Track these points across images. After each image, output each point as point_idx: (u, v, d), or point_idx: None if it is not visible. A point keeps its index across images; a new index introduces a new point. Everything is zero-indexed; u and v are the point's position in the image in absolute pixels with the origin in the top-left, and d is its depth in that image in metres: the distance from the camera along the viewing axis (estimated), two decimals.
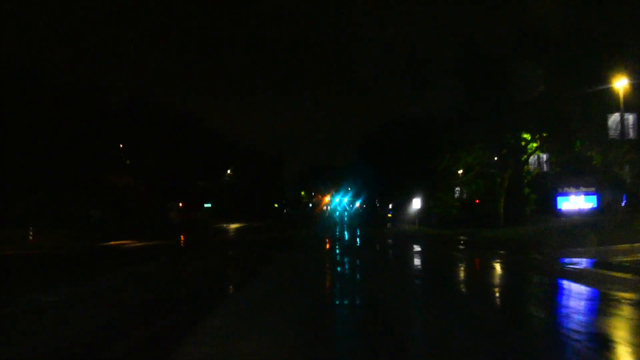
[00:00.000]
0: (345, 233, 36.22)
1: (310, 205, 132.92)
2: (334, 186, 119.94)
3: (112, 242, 27.70)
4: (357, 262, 16.73)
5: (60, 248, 23.70)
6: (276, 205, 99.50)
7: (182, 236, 33.80)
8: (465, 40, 27.87)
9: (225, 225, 54.00)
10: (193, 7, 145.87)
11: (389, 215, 63.61)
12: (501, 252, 18.55)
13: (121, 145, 38.68)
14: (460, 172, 39.86)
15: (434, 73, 31.15)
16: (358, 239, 29.89)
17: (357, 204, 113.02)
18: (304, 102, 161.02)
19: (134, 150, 43.14)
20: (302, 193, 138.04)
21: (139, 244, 26.51)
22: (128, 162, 37.96)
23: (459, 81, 27.04)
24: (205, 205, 60.48)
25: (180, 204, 56.88)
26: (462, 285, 11.55)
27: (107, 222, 32.65)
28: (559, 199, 22.33)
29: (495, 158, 32.56)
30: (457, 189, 43.25)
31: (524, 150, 28.56)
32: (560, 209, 22.39)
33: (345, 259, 17.40)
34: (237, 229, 47.97)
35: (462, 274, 13.45)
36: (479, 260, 16.49)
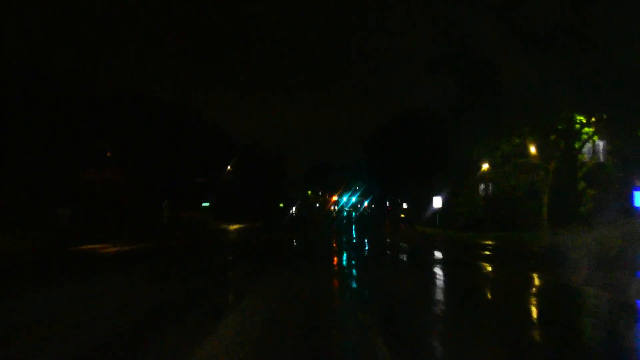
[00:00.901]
0: (354, 237, 31.43)
1: (317, 205, 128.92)
2: (342, 186, 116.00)
3: (85, 246, 23.23)
4: (370, 285, 11.87)
5: (9, 254, 19.19)
6: (281, 205, 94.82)
7: (172, 239, 29.37)
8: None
9: (224, 226, 49.42)
10: (196, 5, 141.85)
11: (402, 215, 58.64)
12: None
13: (103, 136, 34.02)
14: (485, 167, 34.99)
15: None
16: (369, 245, 25.14)
17: (365, 204, 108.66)
18: (307, 101, 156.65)
19: (121, 142, 38.51)
20: (309, 193, 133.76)
21: (115, 249, 22.07)
22: (109, 154, 33.28)
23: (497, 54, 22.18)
24: (203, 204, 55.82)
25: (176, 203, 52.39)
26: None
27: (82, 222, 28.06)
28: (637, 194, 17.41)
29: (532, 149, 27.59)
30: (482, 185, 38.28)
31: (577, 135, 23.53)
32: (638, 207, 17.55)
33: (353, 284, 11.97)
34: (236, 231, 43.43)
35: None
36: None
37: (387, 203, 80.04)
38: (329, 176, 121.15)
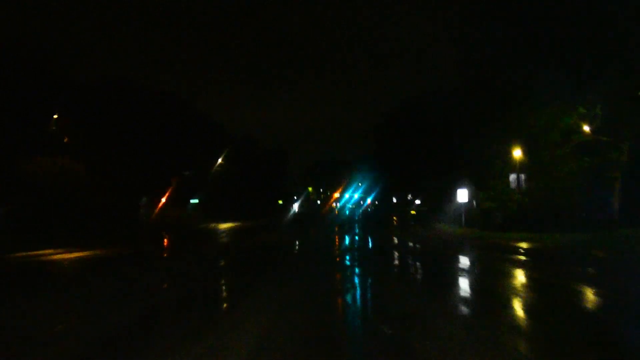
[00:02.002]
0: (360, 238, 25.54)
1: (319, 202, 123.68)
2: (344, 182, 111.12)
3: (19, 254, 17.90)
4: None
5: None
6: (280, 202, 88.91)
7: (148, 242, 24.04)
8: None
9: (213, 225, 43.58)
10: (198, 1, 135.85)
11: (412, 212, 52.55)
12: None
13: (63, 120, 28.07)
14: (517, 154, 29.15)
15: None
16: (378, 248, 19.36)
17: (369, 200, 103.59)
18: (309, 97, 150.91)
19: (90, 130, 32.60)
20: (310, 189, 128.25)
21: (64, 256, 16.90)
22: (66, 140, 27.37)
23: None
24: (192, 200, 49.91)
25: (159, 199, 46.61)
26: None
27: (24, 222, 22.32)
28: None
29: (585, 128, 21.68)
30: (512, 176, 32.26)
31: None
32: None
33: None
34: (227, 231, 37.61)
35: None
36: None
37: (394, 199, 74.19)
38: (331, 172, 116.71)
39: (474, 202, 30.50)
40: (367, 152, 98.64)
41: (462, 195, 30.38)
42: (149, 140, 42.23)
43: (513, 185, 32.06)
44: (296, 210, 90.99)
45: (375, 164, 58.56)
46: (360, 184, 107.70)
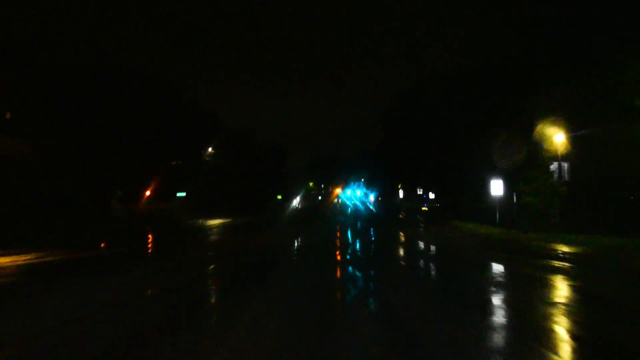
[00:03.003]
0: (363, 239, 20.48)
1: (319, 197, 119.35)
2: (346, 177, 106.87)
3: None
4: None
5: None
6: (279, 197, 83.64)
7: (118, 243, 19.84)
8: None
9: (201, 222, 38.34)
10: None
11: (423, 209, 47.19)
12: None
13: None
14: (560, 138, 24.14)
15: None
16: (390, 257, 14.34)
17: (372, 197, 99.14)
18: (311, 92, 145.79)
19: (51, 111, 27.11)
20: (311, 185, 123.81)
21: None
22: (8, 115, 22.02)
23: None
24: (179, 194, 44.61)
25: (141, 192, 41.38)
26: None
27: None
28: None
29: None
30: (553, 164, 27.09)
31: None
32: None
33: None
34: (217, 228, 32.52)
35: None
36: None
37: (401, 194, 68.86)
38: (333, 168, 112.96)
39: (513, 197, 25.05)
40: (370, 147, 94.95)
41: (497, 187, 25.08)
42: (126, 128, 36.96)
43: (556, 176, 26.84)
44: (296, 206, 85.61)
45: (381, 155, 53.15)
46: (362, 180, 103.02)
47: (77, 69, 35.92)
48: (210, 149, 44.38)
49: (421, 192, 47.52)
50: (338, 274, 11.19)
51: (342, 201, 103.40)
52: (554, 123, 24.63)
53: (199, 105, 50.48)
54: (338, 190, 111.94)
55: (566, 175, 27.59)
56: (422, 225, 30.71)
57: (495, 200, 25.12)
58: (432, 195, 42.98)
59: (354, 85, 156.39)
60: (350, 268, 12.08)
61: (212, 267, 12.89)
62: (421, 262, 13.95)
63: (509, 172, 27.04)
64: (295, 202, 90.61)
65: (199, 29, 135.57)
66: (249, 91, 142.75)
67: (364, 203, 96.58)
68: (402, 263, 13.61)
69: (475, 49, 33.98)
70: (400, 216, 43.53)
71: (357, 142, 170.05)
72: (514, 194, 24.12)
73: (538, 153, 24.91)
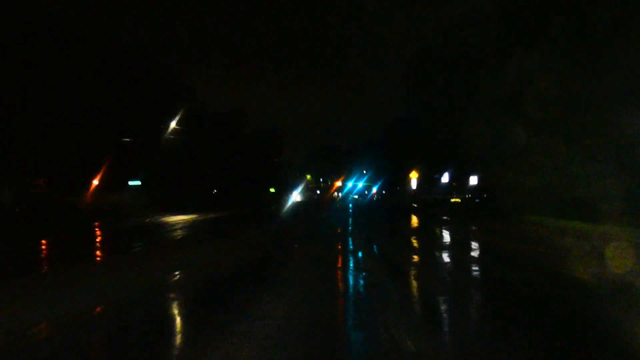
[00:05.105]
0: (380, 251, 10.29)
1: (318, 192, 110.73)
2: (347, 169, 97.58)
3: None
4: None
5: None
6: (272, 190, 73.55)
7: None
8: None
9: (163, 219, 27.73)
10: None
11: (455, 200, 36.31)
12: None
13: None
14: None
15: None
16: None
17: (374, 189, 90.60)
18: (313, 85, 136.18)
19: None
20: (309, 177, 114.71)
21: None
22: None
23: None
24: (131, 182, 33.92)
25: (79, 178, 31.15)
26: None
27: None
28: None
29: None
30: None
31: None
32: None
33: None
34: (179, 228, 21.90)
35: None
36: None
37: (414, 185, 58.84)
38: (333, 159, 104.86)
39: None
40: (372, 139, 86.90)
41: None
42: (57, 90, 26.71)
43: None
44: (292, 200, 75.50)
45: (394, 135, 42.66)
46: (365, 172, 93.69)
47: None
48: (174, 124, 33.71)
49: (450, 178, 36.89)
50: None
51: (342, 194, 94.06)
52: None
53: (171, 74, 39.80)
54: (338, 184, 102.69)
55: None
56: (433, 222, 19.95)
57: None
58: (473, 181, 31.91)
59: (355, 73, 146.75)
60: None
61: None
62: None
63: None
64: (292, 195, 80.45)
65: (193, 10, 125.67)
66: (247, 77, 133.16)
67: (364, 196, 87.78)
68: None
69: None
70: (414, 218, 31.83)
71: (359, 133, 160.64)
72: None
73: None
